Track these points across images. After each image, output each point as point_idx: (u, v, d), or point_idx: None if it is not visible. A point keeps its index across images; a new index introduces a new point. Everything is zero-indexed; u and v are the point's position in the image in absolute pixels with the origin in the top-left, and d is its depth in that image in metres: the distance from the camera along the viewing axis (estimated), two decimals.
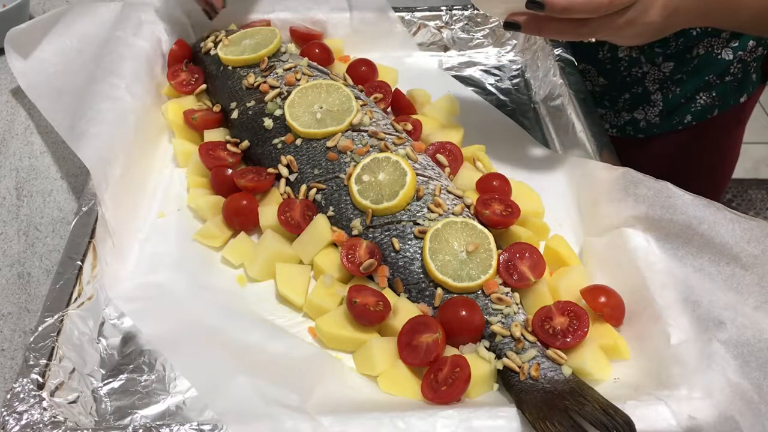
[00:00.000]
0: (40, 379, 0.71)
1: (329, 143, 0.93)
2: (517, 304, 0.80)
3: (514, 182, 0.95)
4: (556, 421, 0.67)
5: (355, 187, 0.89)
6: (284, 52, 1.08)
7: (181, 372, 0.76)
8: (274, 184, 0.94)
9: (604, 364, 0.76)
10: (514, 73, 1.21)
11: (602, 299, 0.79)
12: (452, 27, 1.24)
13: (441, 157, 0.96)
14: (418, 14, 1.24)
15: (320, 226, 0.88)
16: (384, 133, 0.95)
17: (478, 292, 0.81)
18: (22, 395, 0.70)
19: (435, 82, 1.15)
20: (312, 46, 1.13)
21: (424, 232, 0.85)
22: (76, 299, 0.79)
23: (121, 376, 0.77)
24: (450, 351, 0.77)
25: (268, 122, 0.98)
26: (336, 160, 0.92)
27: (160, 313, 0.82)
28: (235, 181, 0.93)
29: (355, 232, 0.87)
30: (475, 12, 1.24)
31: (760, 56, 1.14)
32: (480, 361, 0.76)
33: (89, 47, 1.12)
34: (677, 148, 1.22)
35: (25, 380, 0.71)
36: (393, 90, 1.08)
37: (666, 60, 1.08)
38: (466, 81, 1.19)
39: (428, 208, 0.87)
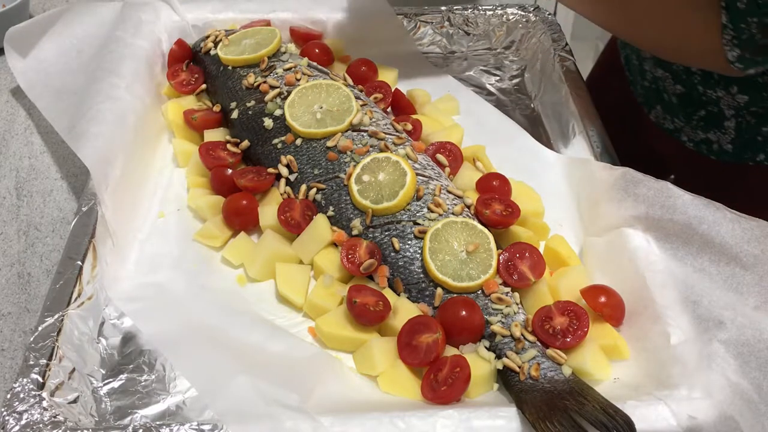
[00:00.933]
0: (40, 379, 0.71)
1: (329, 143, 0.93)
2: (517, 304, 0.80)
3: (514, 182, 0.95)
4: (556, 421, 0.67)
5: (355, 187, 0.89)
6: (284, 52, 1.08)
7: (181, 372, 0.76)
8: (274, 184, 0.94)
9: (604, 364, 0.76)
10: (514, 73, 1.21)
11: (602, 299, 0.79)
12: (452, 27, 1.24)
13: (441, 157, 0.96)
14: (418, 14, 1.24)
15: (320, 226, 0.88)
16: (384, 133, 0.95)
17: (478, 292, 0.81)
18: (22, 395, 0.70)
19: (435, 82, 1.15)
20: (312, 46, 1.13)
21: (424, 232, 0.85)
22: (76, 299, 0.79)
23: (121, 376, 0.77)
24: (450, 351, 0.77)
25: (268, 122, 0.98)
26: (336, 160, 0.92)
27: (160, 313, 0.82)
28: (235, 181, 0.93)
29: (355, 232, 0.87)
30: (475, 12, 1.24)
31: None
32: (480, 361, 0.76)
33: (89, 47, 1.11)
34: (746, 184, 1.13)
35: (25, 380, 0.71)
36: (393, 90, 1.08)
37: (741, 92, 1.02)
38: (466, 81, 1.19)
39: (428, 208, 0.87)
